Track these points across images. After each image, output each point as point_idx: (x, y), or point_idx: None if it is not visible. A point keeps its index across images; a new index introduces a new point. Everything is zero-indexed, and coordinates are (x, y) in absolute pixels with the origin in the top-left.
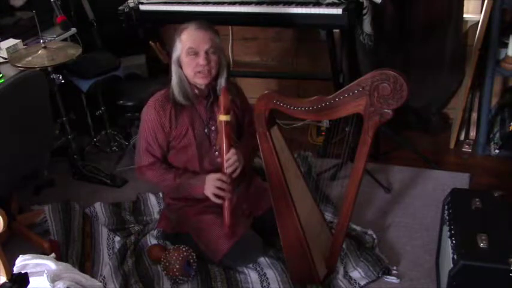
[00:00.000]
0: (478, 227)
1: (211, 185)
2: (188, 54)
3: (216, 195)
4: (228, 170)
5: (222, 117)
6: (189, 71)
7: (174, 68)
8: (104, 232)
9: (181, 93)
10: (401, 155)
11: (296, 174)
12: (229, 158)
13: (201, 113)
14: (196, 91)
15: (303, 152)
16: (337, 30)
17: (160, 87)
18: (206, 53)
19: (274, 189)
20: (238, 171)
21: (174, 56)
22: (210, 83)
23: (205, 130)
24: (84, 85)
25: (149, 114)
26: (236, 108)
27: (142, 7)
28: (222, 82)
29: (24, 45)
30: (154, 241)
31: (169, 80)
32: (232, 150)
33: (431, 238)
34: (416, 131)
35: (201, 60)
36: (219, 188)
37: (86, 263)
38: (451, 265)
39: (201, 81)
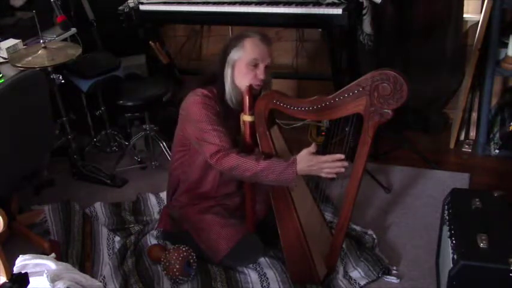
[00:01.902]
0: (478, 227)
1: (322, 168)
2: (249, 64)
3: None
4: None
5: (247, 118)
6: (244, 80)
7: (228, 71)
8: (104, 232)
9: (234, 96)
10: (401, 155)
11: None
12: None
13: (236, 120)
14: (239, 98)
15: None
16: (337, 30)
17: (160, 88)
18: (266, 66)
19: (275, 189)
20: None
21: (231, 59)
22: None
23: (236, 138)
24: (84, 85)
25: (204, 103)
26: None
27: (142, 7)
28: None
29: (24, 45)
30: (154, 241)
31: (209, 80)
32: (257, 150)
33: (431, 238)
34: (416, 131)
35: (261, 74)
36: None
37: (86, 263)
38: (451, 265)
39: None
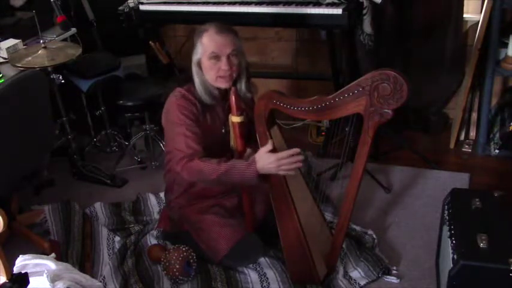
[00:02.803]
0: (478, 227)
1: (280, 165)
2: (210, 58)
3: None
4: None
5: (235, 119)
6: (211, 75)
7: (194, 70)
8: (104, 232)
9: (206, 93)
10: (401, 155)
11: (296, 174)
12: (248, 157)
13: (219, 113)
14: (216, 92)
15: (303, 152)
16: (337, 30)
17: (160, 88)
18: (228, 57)
19: (274, 190)
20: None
21: (194, 58)
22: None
23: (222, 131)
24: (84, 85)
25: (179, 105)
26: (248, 107)
27: (142, 7)
28: (242, 85)
29: (24, 45)
30: (154, 241)
31: (188, 79)
32: (249, 150)
33: (431, 238)
34: (416, 131)
35: (224, 65)
36: (289, 162)
37: (86, 263)
38: (451, 265)
39: (222, 85)
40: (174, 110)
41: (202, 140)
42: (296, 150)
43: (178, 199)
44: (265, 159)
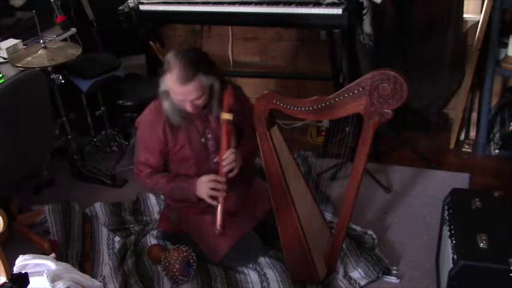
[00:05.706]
0: (478, 227)
1: (205, 187)
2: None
3: (211, 197)
4: (225, 169)
5: (224, 116)
6: (180, 106)
7: (162, 96)
8: (104, 232)
9: (176, 116)
10: (401, 155)
11: (296, 174)
12: (227, 157)
13: (196, 124)
14: (185, 113)
15: (303, 152)
16: (337, 30)
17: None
18: (191, 101)
19: (274, 189)
20: (235, 171)
21: (162, 87)
22: None
23: (202, 140)
24: (84, 85)
25: (143, 130)
26: (236, 111)
27: (142, 7)
28: (213, 107)
29: (24, 45)
30: (154, 241)
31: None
32: (231, 149)
33: (431, 238)
34: (416, 131)
35: (189, 108)
36: (213, 188)
37: (86, 263)
38: (451, 265)
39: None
40: (138, 133)
41: (160, 162)
42: (218, 177)
43: (175, 201)
44: (201, 188)
